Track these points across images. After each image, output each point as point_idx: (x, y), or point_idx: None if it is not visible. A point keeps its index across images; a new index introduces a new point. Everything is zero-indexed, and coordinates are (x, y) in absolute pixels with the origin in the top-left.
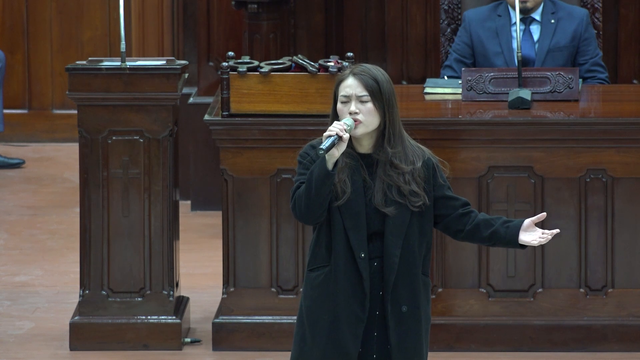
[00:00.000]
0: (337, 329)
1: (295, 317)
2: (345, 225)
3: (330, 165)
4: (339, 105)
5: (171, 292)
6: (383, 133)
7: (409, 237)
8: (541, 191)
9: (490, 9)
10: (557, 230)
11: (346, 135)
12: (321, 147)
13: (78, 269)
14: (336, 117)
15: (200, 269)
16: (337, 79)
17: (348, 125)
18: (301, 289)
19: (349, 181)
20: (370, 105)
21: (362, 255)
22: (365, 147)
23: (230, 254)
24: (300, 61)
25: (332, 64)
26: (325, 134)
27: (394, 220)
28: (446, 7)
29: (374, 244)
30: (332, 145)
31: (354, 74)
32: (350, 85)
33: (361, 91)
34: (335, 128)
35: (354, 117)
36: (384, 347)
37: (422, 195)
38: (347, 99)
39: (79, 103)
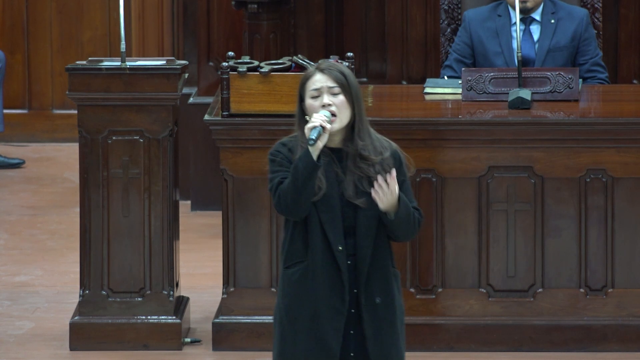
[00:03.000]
0: (318, 324)
1: None
2: (321, 219)
3: (315, 157)
4: (309, 101)
5: (171, 292)
6: (352, 127)
7: (380, 229)
8: (541, 191)
9: (490, 9)
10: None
11: (329, 126)
12: (310, 137)
13: (78, 269)
14: (303, 116)
15: (200, 269)
16: (301, 78)
17: (327, 117)
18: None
19: (323, 176)
20: (342, 97)
21: (340, 248)
22: (335, 141)
23: (230, 254)
24: (300, 61)
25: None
26: (308, 126)
27: (365, 212)
28: (446, 7)
29: (347, 241)
30: (319, 136)
31: (321, 70)
32: (320, 79)
33: (332, 83)
34: (317, 119)
35: (328, 108)
36: (361, 343)
37: None
38: (319, 93)
39: (79, 103)
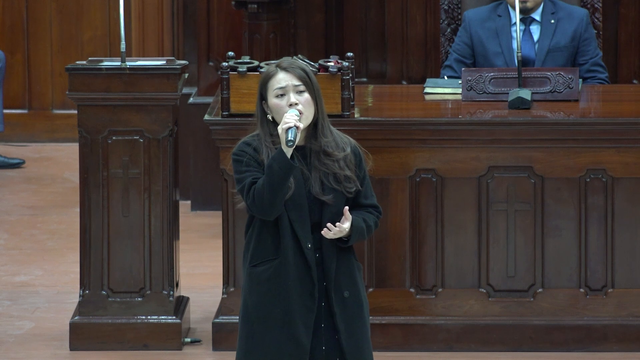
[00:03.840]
0: (290, 321)
1: None
2: (290, 217)
3: (289, 157)
4: (274, 100)
5: (171, 292)
6: (315, 124)
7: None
8: (541, 191)
9: (490, 9)
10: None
11: (301, 125)
12: (289, 139)
13: (78, 269)
14: (264, 115)
15: (200, 269)
16: (261, 78)
17: (297, 115)
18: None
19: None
20: (307, 95)
21: (309, 245)
22: (299, 139)
23: (230, 254)
24: (300, 61)
25: (332, 64)
26: (282, 126)
27: (331, 208)
28: (446, 7)
29: (313, 236)
30: (296, 136)
31: (283, 68)
32: (284, 78)
33: (296, 81)
34: (290, 119)
35: (296, 107)
36: (332, 337)
37: (355, 180)
38: (284, 91)
39: (79, 103)
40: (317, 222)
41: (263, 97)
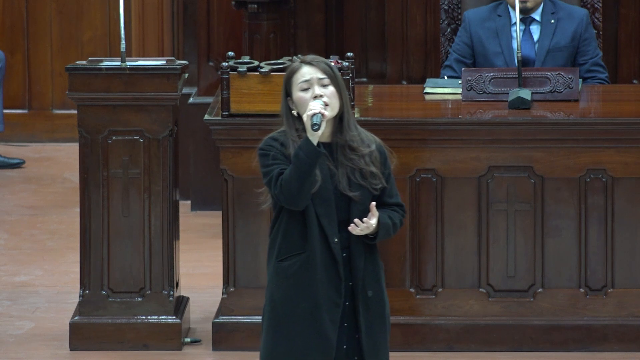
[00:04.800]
0: (317, 316)
1: None
2: (317, 212)
3: (315, 144)
4: (299, 94)
5: (171, 292)
6: (341, 119)
7: None
8: (541, 191)
9: (490, 9)
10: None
11: (327, 113)
12: (315, 122)
13: (78, 269)
14: (289, 111)
15: (200, 269)
16: (286, 73)
17: (322, 104)
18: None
19: (318, 169)
20: (332, 88)
21: (336, 240)
22: (324, 135)
23: (230, 254)
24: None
25: (332, 64)
26: (307, 113)
27: (358, 206)
28: (446, 7)
29: (341, 234)
30: (321, 122)
31: (307, 63)
32: (309, 72)
33: (321, 75)
34: (315, 106)
35: (321, 99)
36: (353, 336)
37: (380, 177)
38: (309, 85)
39: (79, 103)
40: (345, 220)
41: (288, 93)
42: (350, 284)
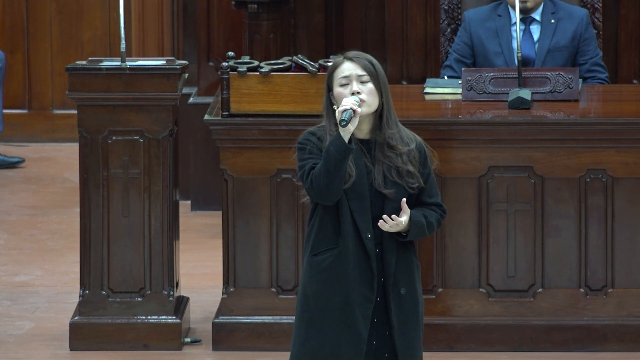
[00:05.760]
0: (349, 311)
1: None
2: (351, 207)
3: (346, 140)
4: (338, 89)
5: (171, 292)
6: (380, 116)
7: None
8: (541, 191)
9: (490, 9)
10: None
11: (359, 109)
12: (343, 118)
13: (78, 269)
14: (331, 106)
15: (200, 269)
16: (329, 68)
17: (356, 102)
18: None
19: (353, 164)
20: (370, 85)
21: (369, 236)
22: (363, 131)
23: (230, 254)
24: (300, 61)
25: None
26: (339, 109)
27: (392, 203)
28: (446, 7)
29: (374, 230)
30: (350, 119)
31: (349, 59)
32: (349, 68)
33: (361, 71)
34: (348, 103)
35: (357, 96)
36: (384, 332)
37: (418, 177)
38: (348, 80)
39: (79, 103)
40: (379, 216)
41: (330, 87)
42: (382, 279)
